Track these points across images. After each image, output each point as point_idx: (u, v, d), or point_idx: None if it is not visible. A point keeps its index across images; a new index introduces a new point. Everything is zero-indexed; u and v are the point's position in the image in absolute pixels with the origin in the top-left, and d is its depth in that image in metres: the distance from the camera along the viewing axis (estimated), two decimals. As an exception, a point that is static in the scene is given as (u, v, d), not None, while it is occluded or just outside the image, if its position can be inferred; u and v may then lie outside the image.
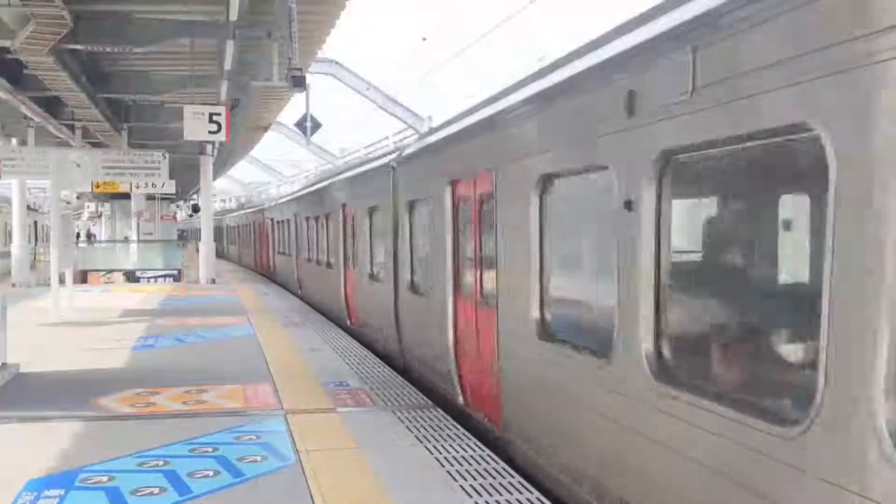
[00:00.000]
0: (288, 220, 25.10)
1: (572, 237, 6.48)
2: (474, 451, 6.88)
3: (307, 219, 20.78)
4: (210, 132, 17.49)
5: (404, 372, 11.03)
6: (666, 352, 4.69)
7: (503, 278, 7.20)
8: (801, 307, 3.78)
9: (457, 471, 6.30)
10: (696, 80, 4.23)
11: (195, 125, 17.34)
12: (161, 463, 6.59)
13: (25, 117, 22.28)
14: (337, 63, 31.01)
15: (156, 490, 5.93)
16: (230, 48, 15.12)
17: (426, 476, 6.23)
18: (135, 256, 30.86)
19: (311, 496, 5.78)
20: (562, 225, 6.37)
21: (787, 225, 4.27)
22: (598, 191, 5.46)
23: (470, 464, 6.49)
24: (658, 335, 4.69)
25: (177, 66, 19.20)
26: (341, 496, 5.79)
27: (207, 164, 28.45)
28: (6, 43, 13.96)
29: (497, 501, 5.65)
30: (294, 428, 7.65)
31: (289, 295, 23.19)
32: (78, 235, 36.60)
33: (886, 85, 3.02)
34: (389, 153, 13.62)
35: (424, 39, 50.42)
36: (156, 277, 28.19)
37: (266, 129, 31.16)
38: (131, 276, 28.12)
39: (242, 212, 44.36)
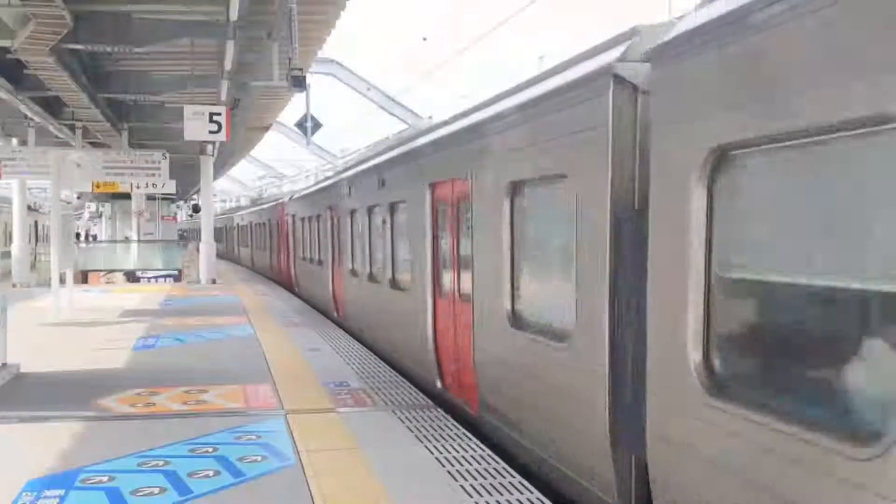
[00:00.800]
0: (318, 216, 19.09)
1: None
2: (475, 450, 6.87)
3: (353, 212, 14.70)
4: (210, 132, 17.51)
5: None
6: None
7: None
8: None
9: (457, 470, 6.30)
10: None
11: (195, 125, 17.35)
12: (161, 463, 6.59)
13: (26, 117, 22.32)
14: (337, 63, 31.04)
15: (156, 490, 5.93)
16: (230, 48, 15.13)
17: (427, 476, 6.23)
18: (135, 256, 30.86)
19: (312, 496, 5.77)
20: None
21: None
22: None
23: (470, 463, 6.48)
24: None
25: (177, 66, 19.23)
26: (342, 496, 5.78)
27: (208, 164, 28.47)
28: (6, 43, 13.97)
29: (497, 501, 5.64)
30: (294, 428, 7.65)
31: (289, 295, 23.17)
32: (78, 235, 36.56)
33: None
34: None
35: (425, 39, 50.45)
36: (156, 278, 28.20)
37: (266, 129, 31.18)
38: (132, 277, 28.12)
39: (255, 208, 38.39)
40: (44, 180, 25.20)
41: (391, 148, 12.56)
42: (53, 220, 17.44)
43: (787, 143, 3.62)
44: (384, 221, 11.95)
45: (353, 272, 14.55)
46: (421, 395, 9.20)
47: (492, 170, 7.33)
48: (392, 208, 11.61)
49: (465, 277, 8.26)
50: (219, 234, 59.77)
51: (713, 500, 4.09)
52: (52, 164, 18.54)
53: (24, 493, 5.87)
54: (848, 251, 3.46)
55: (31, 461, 6.63)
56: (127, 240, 34.43)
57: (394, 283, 11.63)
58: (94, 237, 47.41)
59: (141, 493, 5.85)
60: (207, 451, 6.91)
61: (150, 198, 34.20)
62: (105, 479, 6.20)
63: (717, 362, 4.19)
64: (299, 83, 15.64)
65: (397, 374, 10.41)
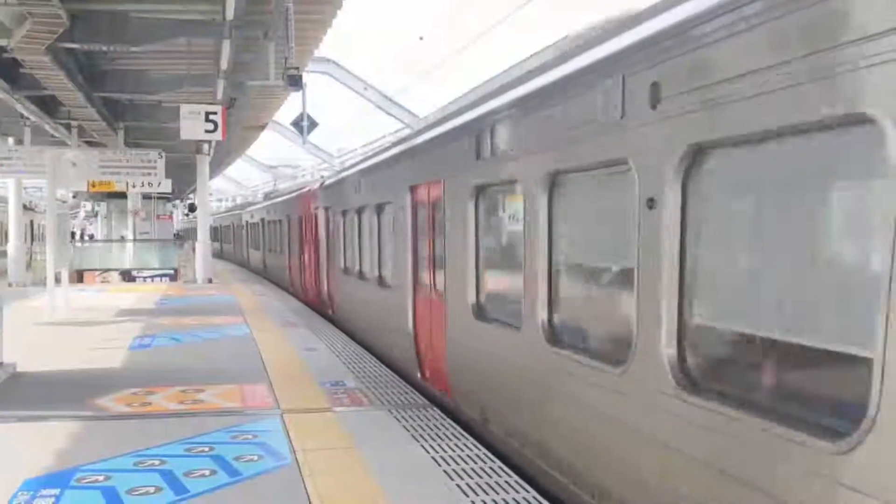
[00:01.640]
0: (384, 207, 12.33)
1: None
2: (471, 450, 6.88)
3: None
4: (206, 131, 17.52)
5: None
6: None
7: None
8: None
9: (453, 470, 6.31)
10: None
11: (191, 124, 17.35)
12: (157, 462, 6.59)
13: (22, 116, 22.28)
14: (333, 62, 31.04)
15: (152, 489, 5.93)
16: (227, 47, 15.13)
17: (423, 475, 6.23)
18: (131, 256, 30.82)
19: (308, 495, 5.78)
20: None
21: None
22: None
23: (466, 462, 6.49)
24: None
25: (174, 65, 19.22)
26: (338, 495, 5.79)
27: (204, 163, 28.43)
28: (2, 42, 13.96)
29: (493, 500, 5.65)
30: (291, 427, 7.65)
31: (285, 294, 23.17)
32: (73, 235, 36.47)
33: None
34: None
35: (421, 39, 50.41)
36: (152, 277, 28.17)
37: (262, 128, 31.16)
38: (127, 276, 28.09)
39: (268, 202, 31.21)
40: (40, 179, 25.19)
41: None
42: (49, 220, 17.42)
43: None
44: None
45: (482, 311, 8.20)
46: (417, 394, 9.21)
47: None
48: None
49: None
50: (225, 234, 51.76)
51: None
52: (48, 163, 18.52)
53: (20, 492, 5.87)
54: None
55: (27, 460, 6.62)
56: (123, 239, 34.39)
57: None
58: (91, 237, 47.24)
59: (137, 493, 5.85)
60: (204, 451, 6.91)
61: (146, 197, 34.16)
62: (101, 478, 6.20)
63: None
64: (295, 82, 15.64)
65: (394, 374, 10.43)
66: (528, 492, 5.82)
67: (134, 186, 22.64)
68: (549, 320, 6.19)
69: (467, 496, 5.73)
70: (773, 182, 3.87)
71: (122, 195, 30.74)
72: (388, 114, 31.91)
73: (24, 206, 31.30)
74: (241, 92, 20.41)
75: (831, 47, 3.19)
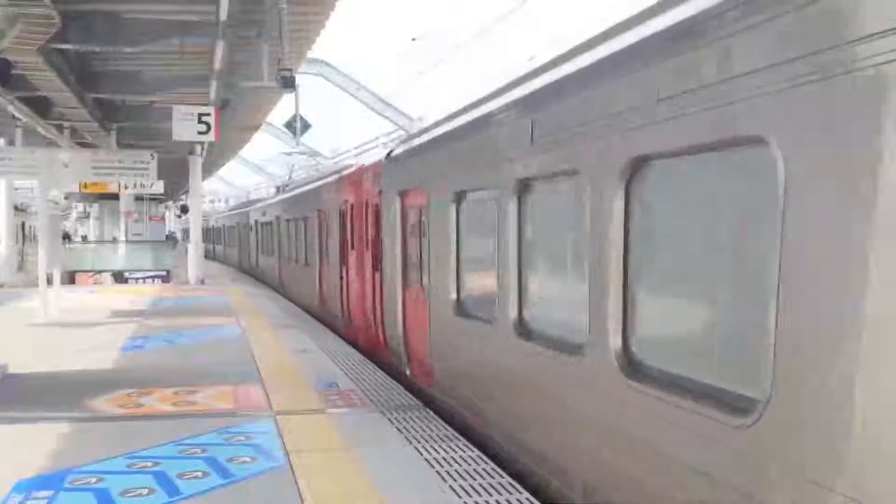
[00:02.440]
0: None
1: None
2: (464, 451, 6.89)
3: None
4: (199, 132, 17.50)
5: None
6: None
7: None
8: None
9: (447, 471, 6.32)
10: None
11: (184, 125, 17.33)
12: (150, 464, 6.58)
13: (13, 117, 22.19)
14: (327, 64, 31.02)
15: (145, 491, 5.92)
16: (220, 48, 15.10)
17: (416, 477, 6.24)
18: (123, 257, 30.75)
19: (301, 497, 5.77)
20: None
21: None
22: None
23: (460, 464, 6.50)
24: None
25: (166, 66, 19.15)
26: (331, 497, 5.79)
27: (197, 164, 28.39)
28: (-6, 43, 13.89)
29: (487, 502, 5.66)
30: (284, 429, 7.65)
31: (280, 297, 23.13)
32: (65, 236, 36.31)
33: None
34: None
35: (414, 40, 50.47)
36: (144, 278, 28.11)
37: (256, 129, 31.09)
38: (119, 277, 28.02)
39: (291, 193, 24.29)
40: (31, 180, 25.10)
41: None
42: (41, 221, 17.37)
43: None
44: None
45: None
46: (410, 395, 9.21)
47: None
48: None
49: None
50: (229, 236, 43.46)
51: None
52: (39, 164, 18.45)
53: (12, 494, 5.85)
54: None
55: (19, 462, 6.60)
56: (115, 240, 34.30)
57: None
58: (84, 238, 47.00)
59: (130, 495, 5.84)
60: (196, 452, 6.90)
61: (139, 198, 34.08)
62: (94, 480, 6.19)
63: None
64: (289, 83, 15.63)
65: (387, 376, 10.43)
66: (521, 493, 5.83)
67: (126, 187, 22.59)
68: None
69: (460, 497, 5.74)
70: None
71: (115, 196, 30.66)
72: (381, 115, 31.90)
73: (16, 208, 31.22)
74: (234, 93, 20.37)
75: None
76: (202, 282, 27.19)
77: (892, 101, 2.93)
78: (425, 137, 9.85)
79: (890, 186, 2.96)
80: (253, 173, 61.31)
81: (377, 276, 12.00)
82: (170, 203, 55.52)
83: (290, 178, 34.40)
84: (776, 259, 3.51)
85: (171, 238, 44.37)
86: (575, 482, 5.60)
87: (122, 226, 33.95)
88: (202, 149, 28.01)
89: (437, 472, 6.32)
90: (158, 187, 22.38)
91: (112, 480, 6.16)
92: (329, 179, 17.19)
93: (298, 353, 12.25)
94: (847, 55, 3.11)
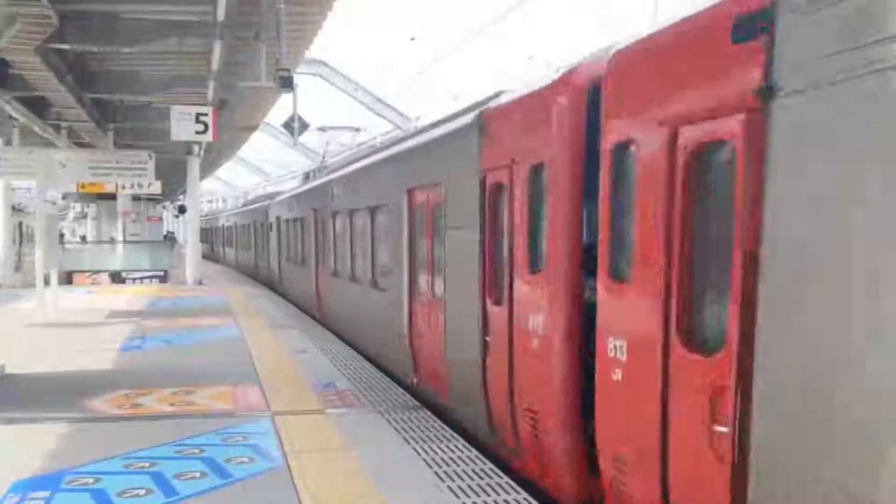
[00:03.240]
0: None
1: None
2: (462, 451, 6.88)
3: None
4: (197, 133, 17.45)
5: None
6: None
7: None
8: None
9: (444, 472, 6.31)
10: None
11: (182, 126, 17.29)
12: (148, 464, 6.57)
13: (10, 117, 22.16)
14: (324, 64, 31.00)
15: (142, 492, 5.91)
16: (218, 48, 15.09)
17: (414, 477, 6.23)
18: (121, 257, 30.72)
19: (299, 497, 5.77)
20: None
21: None
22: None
23: (458, 465, 6.50)
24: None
25: (164, 66, 19.15)
26: (329, 497, 5.78)
27: (194, 164, 28.36)
28: (-9, 42, 13.87)
29: (484, 502, 5.66)
30: (282, 429, 7.64)
31: (278, 298, 23.11)
32: (62, 236, 36.26)
33: None
34: None
35: (413, 39, 50.45)
36: (142, 279, 28.08)
37: (253, 129, 31.07)
38: (117, 278, 27.99)
39: (334, 175, 16.30)
40: (29, 181, 25.07)
41: None
42: (38, 221, 17.34)
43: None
44: None
45: None
46: (408, 395, 9.21)
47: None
48: None
49: None
50: (241, 237, 34.62)
51: None
52: (37, 164, 18.44)
53: (9, 495, 5.84)
54: None
55: (16, 462, 6.59)
56: (112, 241, 34.28)
57: None
58: (83, 238, 46.85)
59: (127, 495, 5.84)
60: (194, 453, 6.89)
61: (136, 198, 34.05)
62: (91, 480, 6.18)
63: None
64: (287, 83, 15.59)
65: (385, 376, 10.42)
66: (518, 493, 5.83)
67: (124, 188, 22.56)
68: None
69: (458, 497, 5.73)
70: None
71: (112, 196, 30.62)
72: (379, 115, 31.89)
73: (13, 208, 31.17)
74: (232, 93, 20.35)
75: None
76: (200, 282, 27.17)
77: None
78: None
79: None
80: (251, 173, 61.31)
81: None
82: (167, 203, 55.52)
83: (323, 159, 23.40)
84: None
85: (169, 238, 44.35)
86: None
87: (120, 226, 33.93)
88: (200, 149, 27.98)
89: (435, 472, 6.31)
90: (156, 187, 22.36)
91: (109, 481, 6.15)
92: (405, 143, 10.76)
93: (297, 353, 12.24)
94: None
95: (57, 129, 23.93)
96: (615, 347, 5.02)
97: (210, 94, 18.66)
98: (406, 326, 9.90)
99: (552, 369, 5.85)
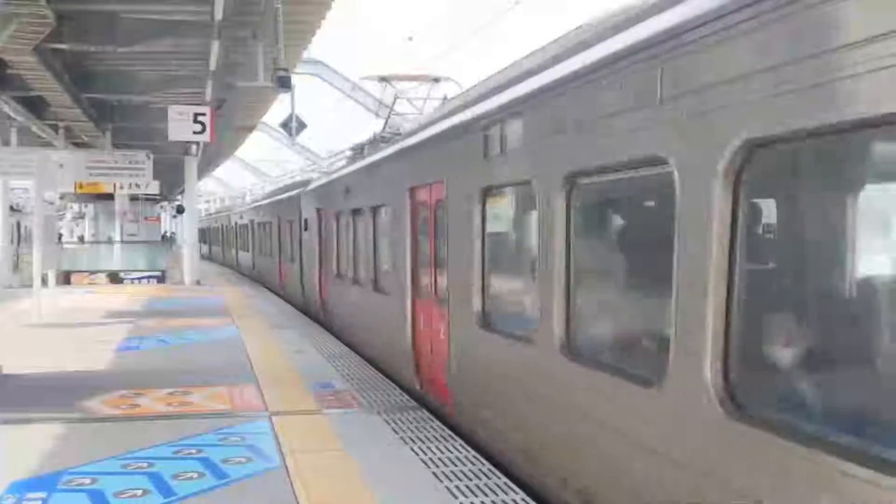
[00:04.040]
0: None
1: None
2: (459, 451, 6.88)
3: None
4: (194, 133, 17.44)
5: None
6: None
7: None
8: None
9: (442, 472, 6.31)
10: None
11: (179, 126, 17.28)
12: (145, 465, 6.56)
13: (8, 117, 22.14)
14: (322, 63, 30.99)
15: (139, 492, 5.90)
16: (215, 48, 15.08)
17: (412, 477, 6.23)
18: (118, 257, 30.70)
19: (296, 497, 5.76)
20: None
21: None
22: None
23: (455, 465, 6.49)
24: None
25: (162, 66, 19.13)
26: (326, 498, 5.78)
27: (192, 164, 28.36)
28: (-11, 42, 13.86)
29: (482, 502, 5.65)
30: (279, 429, 7.63)
31: (275, 298, 23.09)
32: (60, 236, 36.18)
33: None
34: None
35: (410, 39, 50.47)
36: (139, 279, 28.05)
37: (251, 129, 31.06)
38: (115, 278, 27.96)
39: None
40: (26, 181, 25.05)
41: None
42: (36, 221, 17.33)
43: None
44: None
45: None
46: (406, 396, 9.20)
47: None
48: None
49: None
50: (261, 239, 27.63)
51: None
52: (34, 164, 18.43)
53: (6, 496, 5.83)
54: None
55: (13, 463, 6.58)
56: (110, 241, 34.25)
57: None
58: (81, 238, 46.75)
59: (124, 496, 5.82)
60: (192, 453, 6.88)
61: (134, 198, 34.03)
62: (88, 481, 6.16)
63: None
64: (284, 83, 15.58)
65: (382, 377, 10.41)
66: (516, 493, 5.82)
67: (121, 188, 22.56)
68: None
69: (456, 498, 5.73)
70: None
71: (110, 197, 30.59)
72: (376, 115, 31.86)
73: (11, 208, 31.15)
74: (229, 93, 20.33)
75: None
76: (198, 282, 27.16)
77: None
78: None
79: None
80: (249, 174, 61.30)
81: None
82: (165, 203, 55.45)
83: (386, 127, 15.32)
84: None
85: (166, 239, 44.31)
86: None
87: (118, 226, 33.91)
88: (198, 149, 27.97)
89: (432, 472, 6.31)
90: (154, 187, 22.37)
91: (106, 481, 6.13)
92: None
93: (294, 353, 12.23)
94: None
95: (55, 128, 23.91)
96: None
97: (208, 94, 18.65)
98: None
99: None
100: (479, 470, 6.36)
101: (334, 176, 16.01)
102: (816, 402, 3.84)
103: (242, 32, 15.35)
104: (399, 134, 12.45)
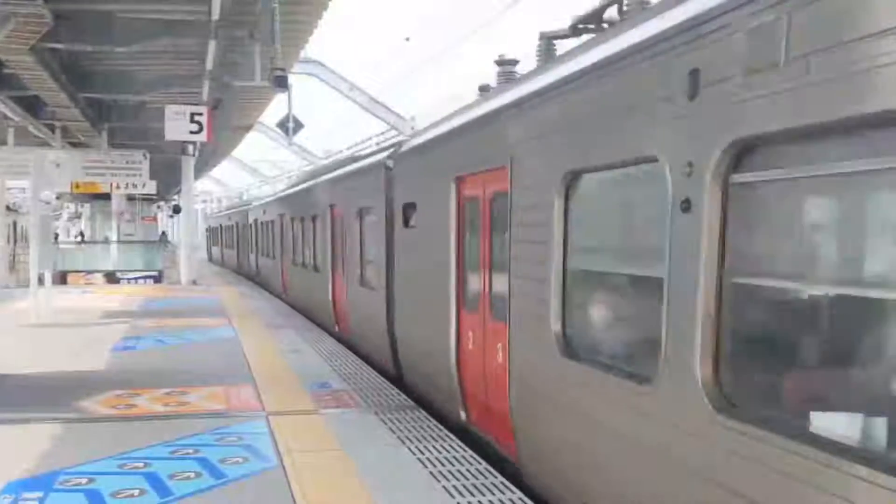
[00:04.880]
0: None
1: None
2: (457, 451, 6.88)
3: None
4: (191, 132, 17.46)
5: None
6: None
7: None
8: None
9: (440, 471, 6.31)
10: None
11: (176, 125, 17.30)
12: (142, 465, 6.55)
13: (5, 117, 22.11)
14: (319, 63, 30.95)
15: (136, 492, 5.89)
16: (212, 48, 15.08)
17: (409, 477, 6.23)
18: (115, 257, 30.67)
19: (293, 497, 5.76)
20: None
21: None
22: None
23: (453, 464, 6.49)
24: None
25: (159, 65, 19.12)
26: (323, 498, 5.77)
27: (189, 164, 28.31)
28: (-15, 42, 13.84)
29: (479, 502, 5.65)
30: (276, 429, 7.63)
31: (272, 297, 23.08)
32: (56, 236, 36.14)
33: None
34: None
35: (407, 39, 50.48)
36: (136, 279, 28.02)
37: (248, 129, 31.04)
38: (111, 278, 27.93)
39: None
40: (23, 180, 25.03)
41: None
42: (33, 221, 17.30)
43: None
44: None
45: None
46: (403, 395, 9.20)
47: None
48: None
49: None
50: (292, 240, 20.07)
51: None
52: (31, 164, 18.40)
53: (2, 495, 5.82)
54: None
55: (9, 463, 6.56)
56: (107, 241, 34.21)
57: None
58: (81, 235, 46.51)
59: (121, 496, 5.82)
60: (188, 453, 6.87)
61: (131, 198, 33.98)
62: (84, 481, 6.16)
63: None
64: (281, 83, 15.58)
65: (379, 376, 10.41)
66: (513, 493, 5.82)
67: (118, 187, 22.53)
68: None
69: (453, 497, 5.73)
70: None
71: (106, 196, 30.55)
72: (374, 115, 31.84)
73: (8, 208, 31.10)
74: (226, 93, 20.33)
75: None
76: (194, 282, 27.13)
77: None
78: None
79: None
80: (246, 174, 61.22)
81: None
82: (162, 203, 55.37)
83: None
84: None
85: (163, 239, 44.22)
86: None
87: (114, 226, 33.87)
88: (195, 149, 27.94)
89: (429, 472, 6.31)
90: (150, 187, 22.35)
91: (103, 481, 6.13)
92: None
93: (291, 353, 12.22)
94: None
95: (51, 128, 23.88)
96: None
97: (205, 94, 18.65)
98: None
99: None
100: (477, 469, 6.36)
101: (418, 141, 10.31)
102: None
103: (239, 32, 15.35)
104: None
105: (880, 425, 3.28)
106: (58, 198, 45.39)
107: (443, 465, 6.48)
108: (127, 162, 21.39)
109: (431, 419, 8.05)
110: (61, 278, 26.21)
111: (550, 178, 5.86)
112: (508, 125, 6.85)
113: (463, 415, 8.17)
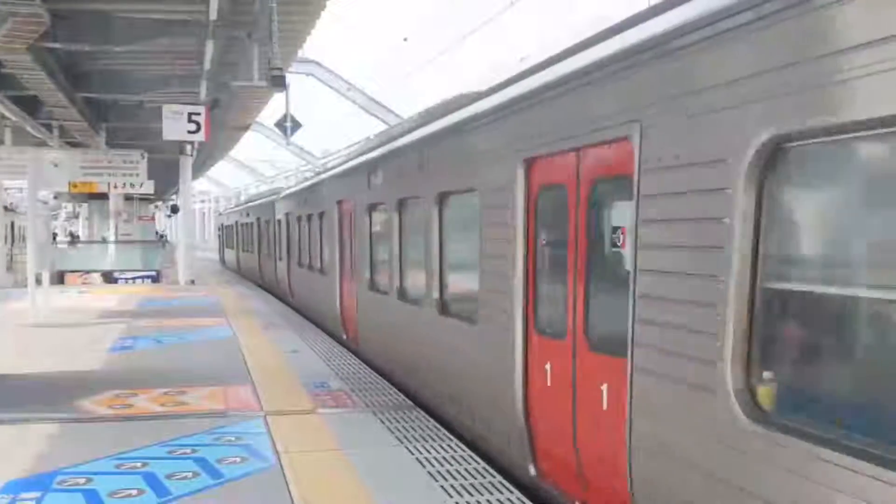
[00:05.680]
0: None
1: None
2: (455, 451, 6.88)
3: None
4: (189, 132, 17.46)
5: None
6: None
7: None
8: None
9: (438, 471, 6.30)
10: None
11: (174, 125, 17.29)
12: (139, 465, 6.54)
13: (3, 117, 22.13)
14: (317, 63, 30.98)
15: (134, 492, 5.89)
16: (210, 48, 15.08)
17: (407, 477, 6.22)
18: (113, 257, 30.64)
19: (291, 497, 5.75)
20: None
21: None
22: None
23: (451, 464, 6.49)
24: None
25: (157, 65, 19.12)
26: (321, 497, 5.77)
27: (187, 164, 28.30)
28: (-17, 41, 13.83)
29: (478, 501, 5.65)
30: (274, 429, 7.62)
31: (269, 297, 23.08)
32: (55, 236, 36.08)
33: None
34: None
35: (405, 40, 50.42)
36: (134, 279, 28.00)
37: (246, 129, 31.05)
38: (109, 278, 27.91)
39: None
40: (20, 180, 24.99)
41: None
42: (30, 221, 17.28)
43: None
44: None
45: None
46: (401, 395, 9.19)
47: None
48: None
49: None
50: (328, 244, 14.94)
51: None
52: (29, 163, 18.39)
53: (0, 495, 5.81)
54: None
55: (7, 463, 6.56)
56: (104, 240, 34.17)
57: None
58: (78, 237, 46.48)
59: (119, 495, 5.81)
60: (186, 453, 6.87)
61: (128, 198, 33.95)
62: (82, 480, 6.15)
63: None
64: (279, 83, 15.58)
65: (377, 376, 10.41)
66: (511, 492, 5.82)
67: (116, 187, 22.52)
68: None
69: (451, 497, 5.72)
70: None
71: (104, 196, 30.52)
72: (372, 114, 31.86)
73: (5, 208, 31.06)
74: (224, 92, 20.32)
75: None
76: (192, 282, 27.11)
77: None
78: None
79: None
80: (244, 173, 61.24)
81: None
82: (160, 203, 55.31)
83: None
84: None
85: (161, 239, 44.18)
86: None
87: (112, 226, 33.84)
88: (192, 148, 27.93)
89: (428, 472, 6.31)
90: (148, 187, 22.32)
91: (101, 481, 6.12)
92: None
93: (289, 353, 12.21)
94: None
95: (49, 128, 23.88)
96: None
97: (202, 94, 18.64)
98: None
99: None
100: (475, 469, 6.36)
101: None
102: None
103: (237, 32, 15.34)
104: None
105: None
106: (55, 198, 45.37)
107: (441, 464, 6.48)
108: (125, 162, 21.35)
109: (430, 419, 8.05)
110: (59, 278, 26.19)
111: (729, 151, 3.86)
112: (638, 75, 4.73)
113: (532, 469, 6.37)
